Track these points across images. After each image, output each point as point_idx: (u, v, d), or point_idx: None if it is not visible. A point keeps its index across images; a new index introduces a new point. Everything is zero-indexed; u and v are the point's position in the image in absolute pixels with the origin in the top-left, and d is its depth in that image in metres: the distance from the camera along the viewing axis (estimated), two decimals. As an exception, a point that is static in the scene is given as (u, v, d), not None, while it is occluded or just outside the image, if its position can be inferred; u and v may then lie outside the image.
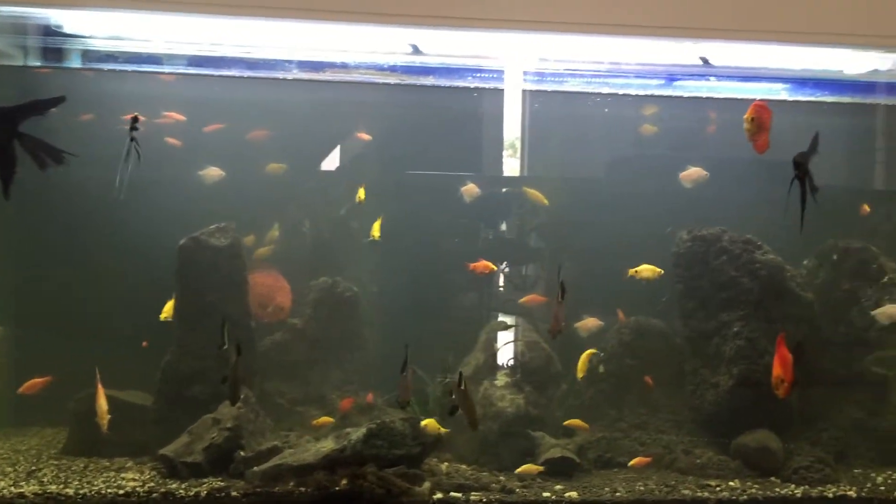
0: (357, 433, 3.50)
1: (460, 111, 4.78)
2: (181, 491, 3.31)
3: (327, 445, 3.51)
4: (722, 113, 4.68)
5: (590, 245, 4.52)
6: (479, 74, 4.40)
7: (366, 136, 4.81)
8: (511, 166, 4.85)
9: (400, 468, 3.44)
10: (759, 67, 4.34)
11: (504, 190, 4.83)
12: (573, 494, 3.43)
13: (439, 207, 4.65)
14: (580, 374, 3.88)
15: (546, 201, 4.49)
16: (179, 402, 3.80)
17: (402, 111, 4.72)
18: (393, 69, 4.31)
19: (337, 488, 3.34)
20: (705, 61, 4.12)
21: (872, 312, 3.93)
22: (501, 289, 4.75)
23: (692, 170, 4.23)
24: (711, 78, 4.51)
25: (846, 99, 4.62)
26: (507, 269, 4.71)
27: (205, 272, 3.92)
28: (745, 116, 2.85)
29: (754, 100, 2.91)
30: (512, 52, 4.18)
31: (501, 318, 4.50)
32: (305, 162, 4.87)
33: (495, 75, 4.46)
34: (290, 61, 4.18)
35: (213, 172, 4.34)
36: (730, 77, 4.53)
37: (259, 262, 4.36)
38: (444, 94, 4.37)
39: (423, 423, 3.51)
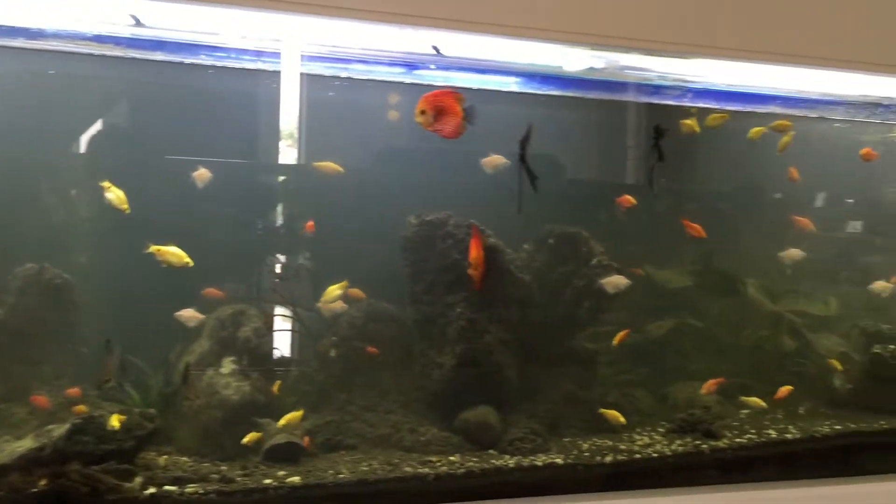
0: (59, 430, 3.25)
1: (233, 94, 4.52)
2: None
3: (24, 444, 3.23)
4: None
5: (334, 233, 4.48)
6: (246, 56, 4.18)
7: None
8: (289, 154, 4.68)
9: (110, 464, 3.26)
10: (493, 61, 4.52)
11: (281, 178, 4.68)
12: (296, 479, 3.40)
13: (202, 196, 4.35)
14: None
15: (341, 169, 4.30)
16: None
17: (155, 91, 4.41)
18: (116, 41, 4.01)
19: (35, 489, 3.08)
20: (437, 50, 4.24)
21: (602, 281, 4.22)
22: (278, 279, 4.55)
23: (493, 156, 4.23)
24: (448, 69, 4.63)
25: (569, 94, 4.91)
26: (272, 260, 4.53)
27: None
28: (416, 110, 3.07)
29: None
30: (286, 33, 4.00)
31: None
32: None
33: (270, 58, 4.26)
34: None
35: None
36: (464, 69, 4.69)
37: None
38: (210, 75, 4.11)
39: (112, 418, 3.33)
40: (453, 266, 4.04)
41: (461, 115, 3.05)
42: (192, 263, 3.72)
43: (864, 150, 4.70)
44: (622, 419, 4.17)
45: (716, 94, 5.19)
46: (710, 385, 4.40)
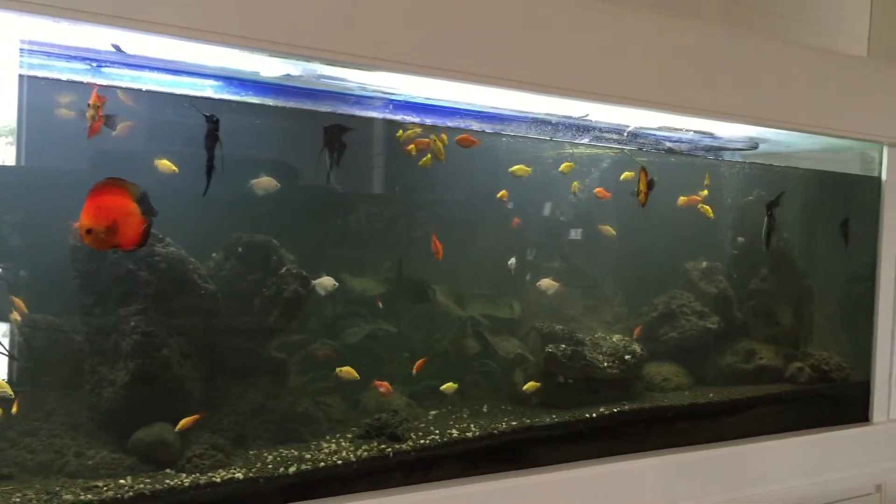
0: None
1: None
2: None
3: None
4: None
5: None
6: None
7: None
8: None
9: None
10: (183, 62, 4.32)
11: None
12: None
13: None
14: None
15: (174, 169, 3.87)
16: None
17: None
18: None
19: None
20: (117, 48, 3.96)
21: (314, 282, 4.21)
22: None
23: (263, 178, 4.09)
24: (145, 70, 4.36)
25: (269, 101, 4.83)
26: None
27: None
28: (80, 229, 2.70)
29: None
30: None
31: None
32: None
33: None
34: None
35: None
36: (154, 68, 4.44)
37: None
38: None
39: None
40: (127, 277, 3.80)
41: (138, 214, 2.63)
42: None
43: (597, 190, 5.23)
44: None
45: (415, 107, 5.41)
46: (383, 385, 4.54)
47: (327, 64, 3.95)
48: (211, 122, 3.53)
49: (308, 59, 3.85)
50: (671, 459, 4.81)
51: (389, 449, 4.11)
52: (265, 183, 4.29)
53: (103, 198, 2.53)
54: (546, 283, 5.18)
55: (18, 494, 3.31)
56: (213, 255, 4.32)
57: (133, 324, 3.77)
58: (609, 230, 5.67)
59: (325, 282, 4.44)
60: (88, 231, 2.52)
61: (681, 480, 4.84)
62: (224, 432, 3.97)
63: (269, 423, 4.17)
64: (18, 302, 3.87)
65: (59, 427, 3.77)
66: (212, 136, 3.54)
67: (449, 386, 4.70)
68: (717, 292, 6.07)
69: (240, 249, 4.28)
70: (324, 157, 3.85)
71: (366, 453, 4.04)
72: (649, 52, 4.63)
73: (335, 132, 3.82)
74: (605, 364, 5.07)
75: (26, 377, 3.77)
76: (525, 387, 4.86)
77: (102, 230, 2.49)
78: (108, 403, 3.76)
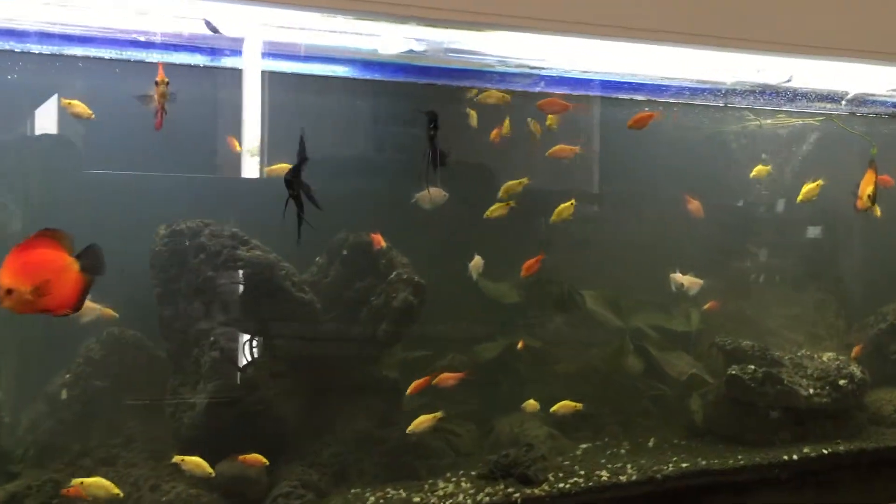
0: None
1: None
2: None
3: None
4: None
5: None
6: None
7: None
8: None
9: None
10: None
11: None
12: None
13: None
14: None
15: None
16: None
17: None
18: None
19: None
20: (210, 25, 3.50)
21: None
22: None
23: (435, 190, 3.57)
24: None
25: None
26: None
27: None
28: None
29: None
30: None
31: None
32: None
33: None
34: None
35: None
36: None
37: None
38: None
39: None
40: (207, 286, 3.32)
41: (75, 270, 2.10)
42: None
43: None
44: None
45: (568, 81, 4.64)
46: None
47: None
48: (429, 118, 3.05)
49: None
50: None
51: (518, 494, 3.32)
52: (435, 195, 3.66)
53: (32, 252, 2.03)
54: (684, 279, 4.04)
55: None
56: (317, 259, 3.77)
57: (212, 339, 3.28)
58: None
59: (478, 262, 3.83)
60: (9, 292, 2.01)
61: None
62: (322, 466, 3.38)
63: (379, 454, 3.54)
64: (108, 311, 3.53)
65: (140, 455, 3.36)
66: (432, 132, 3.03)
67: (565, 405, 3.79)
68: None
69: (345, 252, 3.69)
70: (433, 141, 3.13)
71: (487, 499, 3.29)
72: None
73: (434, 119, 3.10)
74: (811, 390, 3.95)
75: (106, 397, 3.39)
76: (553, 408, 3.80)
77: (28, 290, 1.97)
78: (189, 431, 3.29)
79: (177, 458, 3.06)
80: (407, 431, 3.47)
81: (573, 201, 3.91)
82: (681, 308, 4.41)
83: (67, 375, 3.40)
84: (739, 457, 3.72)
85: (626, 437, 4.04)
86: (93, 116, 3.19)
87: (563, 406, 3.76)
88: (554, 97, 4.01)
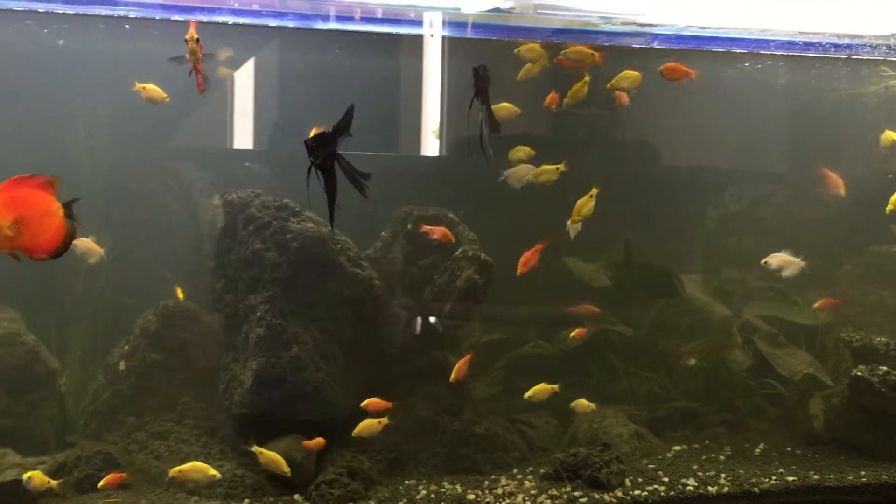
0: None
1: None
2: None
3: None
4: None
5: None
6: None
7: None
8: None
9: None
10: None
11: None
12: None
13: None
14: None
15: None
16: None
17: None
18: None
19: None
20: None
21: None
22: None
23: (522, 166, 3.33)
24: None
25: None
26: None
27: None
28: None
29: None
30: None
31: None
32: None
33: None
34: None
35: None
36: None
37: None
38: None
39: None
40: (255, 259, 3.16)
41: (60, 216, 1.97)
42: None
43: None
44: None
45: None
46: None
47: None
48: (478, 74, 2.70)
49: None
50: None
51: (585, 499, 2.95)
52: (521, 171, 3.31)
53: (19, 189, 1.91)
54: (776, 258, 3.33)
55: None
56: (382, 233, 3.53)
57: (259, 315, 3.12)
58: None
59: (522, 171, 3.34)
60: None
61: None
62: (374, 453, 3.16)
63: (440, 444, 3.28)
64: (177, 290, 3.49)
65: (191, 432, 3.28)
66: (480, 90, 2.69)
67: (580, 403, 3.34)
68: None
69: (409, 226, 3.43)
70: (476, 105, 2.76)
71: (549, 502, 2.94)
72: None
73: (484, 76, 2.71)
74: (959, 399, 3.29)
75: (161, 371, 3.33)
76: (528, 393, 3.24)
77: (7, 225, 1.86)
78: (238, 408, 3.16)
79: (256, 449, 2.93)
80: (525, 397, 3.23)
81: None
82: (804, 298, 3.82)
83: (126, 347, 3.37)
84: (862, 473, 3.16)
85: (730, 440, 3.55)
86: (167, 100, 3.10)
87: (539, 390, 3.25)
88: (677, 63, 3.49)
